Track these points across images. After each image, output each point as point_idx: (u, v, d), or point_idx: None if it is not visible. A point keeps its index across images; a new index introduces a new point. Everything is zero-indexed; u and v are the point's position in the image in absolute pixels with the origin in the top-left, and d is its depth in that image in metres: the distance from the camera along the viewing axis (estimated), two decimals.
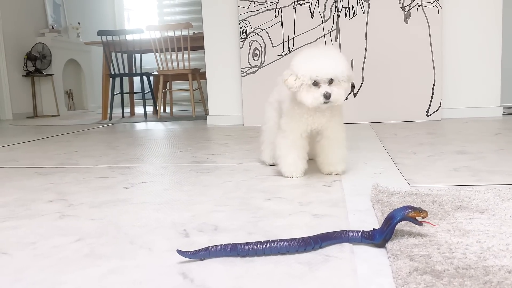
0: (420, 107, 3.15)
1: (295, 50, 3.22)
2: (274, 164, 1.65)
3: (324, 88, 1.32)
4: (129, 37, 4.60)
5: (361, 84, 3.19)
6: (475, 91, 3.20)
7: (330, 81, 1.33)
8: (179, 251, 0.80)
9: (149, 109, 6.26)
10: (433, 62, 3.10)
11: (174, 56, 6.45)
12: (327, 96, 1.31)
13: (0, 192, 1.44)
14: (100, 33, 4.44)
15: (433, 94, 3.13)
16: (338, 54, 1.36)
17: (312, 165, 1.55)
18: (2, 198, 1.36)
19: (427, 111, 3.14)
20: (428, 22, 3.07)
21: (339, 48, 3.17)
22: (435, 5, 3.05)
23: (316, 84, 1.32)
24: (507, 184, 1.26)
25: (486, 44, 3.15)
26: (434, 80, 3.11)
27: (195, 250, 0.81)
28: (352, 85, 3.19)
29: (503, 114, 3.18)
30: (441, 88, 3.13)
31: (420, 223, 0.84)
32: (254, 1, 3.25)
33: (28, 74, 5.62)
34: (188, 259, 0.81)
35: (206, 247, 0.81)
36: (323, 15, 3.18)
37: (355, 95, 3.21)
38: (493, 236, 0.84)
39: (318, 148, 1.49)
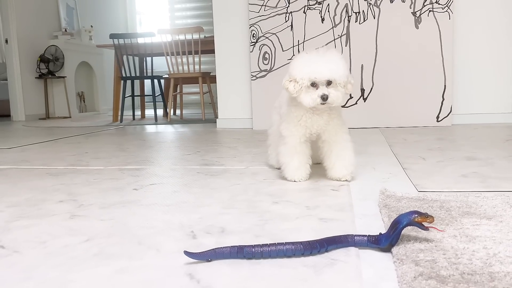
0: (430, 112, 3.13)
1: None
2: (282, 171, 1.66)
3: (322, 89, 1.32)
4: (140, 40, 4.64)
5: (371, 88, 3.19)
6: (486, 97, 3.18)
7: (328, 83, 1.33)
8: (186, 252, 0.81)
9: (160, 111, 6.30)
10: (443, 67, 3.09)
11: (184, 60, 6.49)
12: (324, 98, 1.32)
13: (12, 192, 1.47)
14: (112, 36, 4.49)
15: (443, 99, 3.11)
16: (337, 57, 1.35)
17: (319, 169, 1.56)
18: (14, 198, 1.38)
19: (437, 117, 3.13)
20: (439, 27, 3.06)
21: (349, 52, 3.17)
22: (446, 10, 3.04)
23: (314, 85, 1.33)
24: None
25: (497, 50, 3.13)
26: (445, 86, 3.10)
27: (202, 252, 0.82)
28: (362, 90, 3.19)
29: None
30: (451, 93, 3.11)
31: (426, 228, 0.84)
32: (265, 6, 3.27)
33: (41, 76, 5.69)
34: (195, 260, 0.82)
35: (213, 249, 0.82)
36: (334, 19, 3.18)
37: (365, 99, 3.21)
38: (500, 243, 0.84)
39: (322, 153, 1.48)
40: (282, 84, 1.40)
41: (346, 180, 1.47)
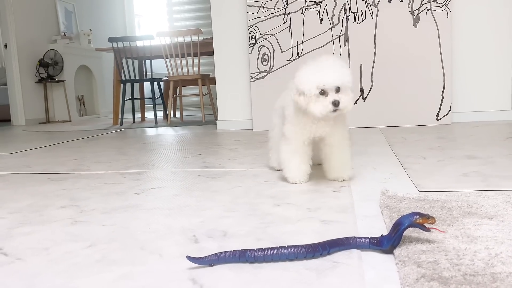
0: (430, 111, 3.14)
1: (303, 55, 3.24)
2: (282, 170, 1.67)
3: (332, 96, 1.32)
4: (139, 43, 4.65)
5: (371, 88, 3.19)
6: (486, 95, 3.18)
7: (337, 89, 1.33)
8: (188, 257, 0.82)
9: (160, 114, 6.31)
10: (442, 66, 3.09)
11: (184, 62, 6.50)
12: (336, 104, 1.30)
13: (14, 198, 1.47)
14: (111, 39, 4.50)
15: (443, 98, 3.11)
16: (341, 62, 1.36)
17: (320, 170, 1.56)
18: (15, 204, 1.38)
19: (437, 115, 3.13)
20: (437, 26, 3.06)
21: (347, 52, 3.18)
22: (444, 9, 3.04)
23: (323, 93, 1.33)
24: None
25: (496, 47, 3.13)
26: (444, 84, 3.10)
27: (205, 256, 0.82)
28: (362, 90, 3.19)
29: None
30: (451, 92, 3.11)
31: (427, 230, 0.85)
32: (263, 7, 3.27)
33: (41, 80, 5.70)
34: (197, 265, 0.83)
35: (216, 253, 0.82)
36: (332, 20, 3.19)
37: (364, 99, 3.21)
38: (501, 243, 0.84)
39: (322, 154, 1.50)
40: (292, 98, 1.39)
41: (343, 180, 1.48)
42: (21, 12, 5.47)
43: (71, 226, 1.12)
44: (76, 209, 1.29)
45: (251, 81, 3.37)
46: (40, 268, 0.85)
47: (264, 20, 3.28)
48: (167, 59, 4.47)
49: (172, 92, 4.55)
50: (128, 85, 6.47)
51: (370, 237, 0.87)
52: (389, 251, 0.85)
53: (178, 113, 6.11)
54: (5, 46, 5.39)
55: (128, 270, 0.82)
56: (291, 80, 1.45)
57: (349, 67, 3.17)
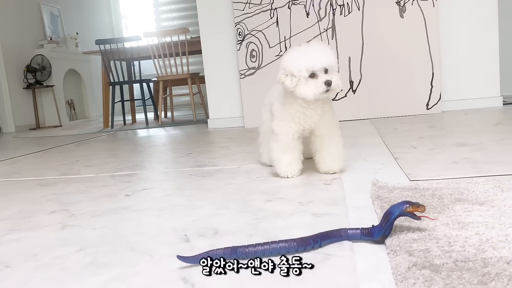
0: (420, 100, 3.14)
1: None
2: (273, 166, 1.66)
3: (323, 77, 1.32)
4: (127, 44, 4.61)
5: (360, 80, 3.19)
6: (475, 82, 3.19)
7: (325, 71, 1.33)
8: (179, 257, 0.81)
9: (150, 115, 6.27)
10: (430, 55, 3.10)
11: (172, 61, 6.47)
12: (328, 83, 1.31)
13: (3, 205, 1.45)
14: (98, 42, 4.46)
15: (432, 87, 3.12)
16: (325, 46, 1.38)
17: (311, 164, 1.55)
18: (4, 211, 1.37)
19: (427, 105, 3.14)
20: (423, 15, 3.07)
21: (335, 45, 3.17)
22: None
23: (312, 76, 1.32)
24: (507, 174, 1.26)
25: (483, 34, 3.14)
26: (433, 73, 3.11)
27: (195, 255, 0.81)
28: (351, 82, 3.19)
29: (503, 104, 3.17)
30: (440, 80, 3.12)
31: (418, 218, 0.84)
32: (249, 3, 3.26)
33: (29, 86, 5.64)
34: (189, 264, 0.82)
35: (206, 251, 0.82)
36: (318, 13, 3.18)
37: (354, 91, 3.21)
38: (492, 228, 0.84)
39: (313, 147, 1.49)
40: (277, 79, 1.39)
41: (334, 173, 1.47)
42: (5, 18, 5.40)
43: (61, 231, 1.11)
44: (66, 213, 1.28)
45: (240, 78, 3.36)
46: (30, 275, 0.84)
47: (251, 16, 3.27)
48: (156, 60, 4.44)
49: (162, 93, 4.52)
50: (117, 87, 6.40)
51: (361, 228, 0.87)
52: (381, 241, 0.85)
53: (169, 114, 6.08)
54: None
55: (119, 272, 0.82)
56: (277, 75, 1.44)
57: (338, 59, 3.17)
